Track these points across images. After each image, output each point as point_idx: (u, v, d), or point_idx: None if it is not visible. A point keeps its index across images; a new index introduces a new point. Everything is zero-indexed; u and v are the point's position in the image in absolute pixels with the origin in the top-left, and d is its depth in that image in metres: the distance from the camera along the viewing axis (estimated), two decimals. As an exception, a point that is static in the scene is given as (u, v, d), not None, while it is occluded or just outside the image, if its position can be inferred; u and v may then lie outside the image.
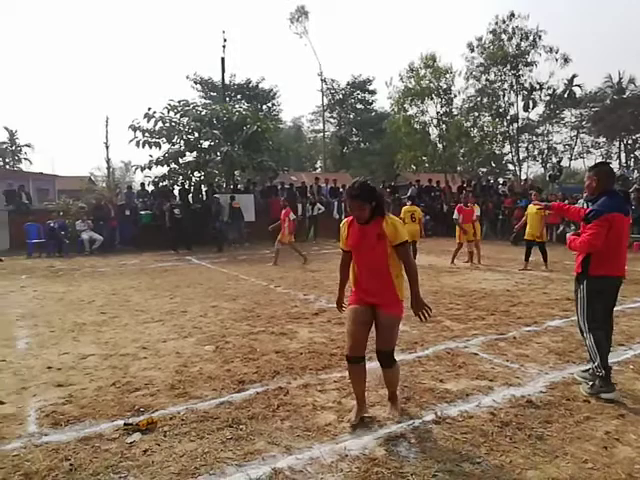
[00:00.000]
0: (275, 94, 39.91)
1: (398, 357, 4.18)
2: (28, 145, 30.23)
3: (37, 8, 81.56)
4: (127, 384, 3.75)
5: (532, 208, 8.92)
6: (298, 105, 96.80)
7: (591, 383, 3.47)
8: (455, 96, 25.63)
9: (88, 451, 2.74)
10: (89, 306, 6.76)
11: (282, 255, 12.75)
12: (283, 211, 11.25)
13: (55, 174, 29.76)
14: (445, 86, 24.94)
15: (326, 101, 40.89)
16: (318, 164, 46.85)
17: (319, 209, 17.41)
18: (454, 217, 10.34)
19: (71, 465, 2.58)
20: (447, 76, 24.78)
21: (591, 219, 3.41)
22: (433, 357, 4.25)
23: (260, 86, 38.54)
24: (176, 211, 14.52)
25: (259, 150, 17.75)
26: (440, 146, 25.82)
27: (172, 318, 5.93)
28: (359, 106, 41.55)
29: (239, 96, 37.06)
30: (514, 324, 5.35)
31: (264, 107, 38.09)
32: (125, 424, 3.02)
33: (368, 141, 39.90)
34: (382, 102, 51.24)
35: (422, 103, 24.96)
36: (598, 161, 6.01)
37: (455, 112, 26.02)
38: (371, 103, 41.51)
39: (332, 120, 42.88)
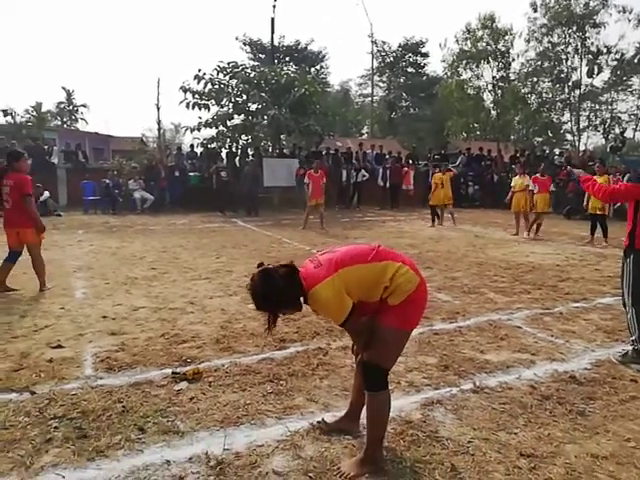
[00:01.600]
0: (324, 57, 39.09)
1: (438, 325, 4.24)
2: (84, 105, 31.33)
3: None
4: (175, 336, 3.95)
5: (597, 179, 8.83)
6: (347, 68, 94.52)
7: (625, 351, 3.51)
8: (513, 60, 24.19)
9: (139, 395, 2.93)
10: (141, 262, 7.08)
11: (327, 221, 12.79)
12: (316, 174, 11.25)
13: (109, 134, 30.75)
14: (503, 49, 23.58)
15: (376, 64, 39.63)
16: (365, 129, 45.98)
17: (363, 175, 17.21)
18: (529, 188, 10.24)
19: (123, 407, 2.77)
20: (506, 38, 23.37)
21: (627, 181, 3.45)
22: (474, 328, 4.21)
23: (309, 48, 37.81)
24: (223, 174, 14.74)
25: (306, 114, 17.58)
26: (494, 113, 24.67)
27: (218, 277, 6.12)
28: (410, 70, 40.03)
29: (287, 58, 36.54)
30: (561, 299, 5.19)
31: (312, 70, 37.40)
32: (173, 372, 3.20)
33: (418, 106, 38.61)
34: (434, 66, 49.39)
35: (477, 67, 23.77)
36: None
37: (512, 77, 24.65)
38: (423, 67, 39.89)
39: (381, 84, 41.67)
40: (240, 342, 3.84)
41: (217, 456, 2.30)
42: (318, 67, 39.19)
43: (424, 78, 38.79)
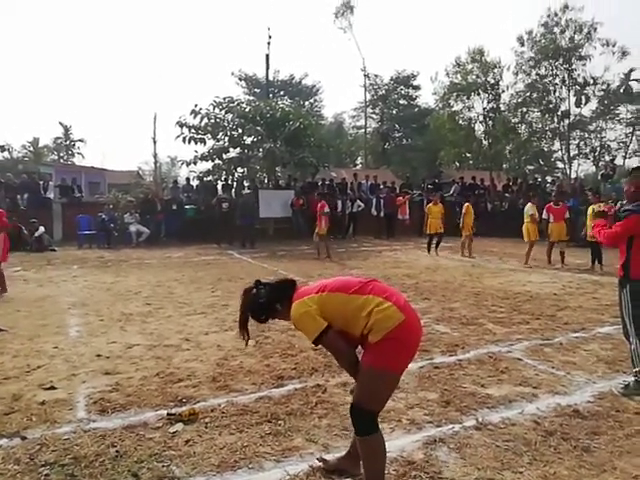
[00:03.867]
0: (318, 90, 40.01)
1: (438, 358, 4.19)
2: (81, 140, 31.66)
3: (88, 8, 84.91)
4: (170, 375, 3.87)
5: (591, 209, 8.92)
6: (340, 101, 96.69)
7: (626, 383, 3.46)
8: (503, 91, 24.84)
9: (133, 439, 2.84)
10: (136, 297, 7.01)
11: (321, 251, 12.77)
12: (319, 205, 11.70)
13: (105, 168, 30.98)
14: (493, 81, 24.23)
15: (369, 97, 40.53)
16: (359, 160, 46.58)
17: (359, 206, 17.34)
18: (543, 217, 10.20)
19: (117, 452, 2.69)
20: (495, 71, 24.07)
21: (622, 217, 3.50)
22: (475, 361, 4.15)
23: (303, 82, 38.71)
24: (224, 205, 14.81)
25: (300, 146, 17.85)
26: (485, 143, 25.14)
27: (214, 311, 6.06)
28: (402, 102, 40.91)
29: (282, 92, 37.36)
30: (561, 329, 5.15)
31: (306, 103, 38.24)
32: (168, 414, 3.12)
33: (410, 137, 39.30)
34: (426, 98, 50.34)
35: (468, 99, 24.37)
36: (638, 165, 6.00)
37: (502, 108, 25.23)
38: (415, 99, 40.81)
39: (374, 116, 42.47)
40: (237, 380, 3.77)
41: (214, 504, 2.22)
42: (312, 100, 40.06)
43: (416, 110, 39.63)
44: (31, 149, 24.93)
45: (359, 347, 2.25)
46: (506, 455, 2.65)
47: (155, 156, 21.26)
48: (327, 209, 11.76)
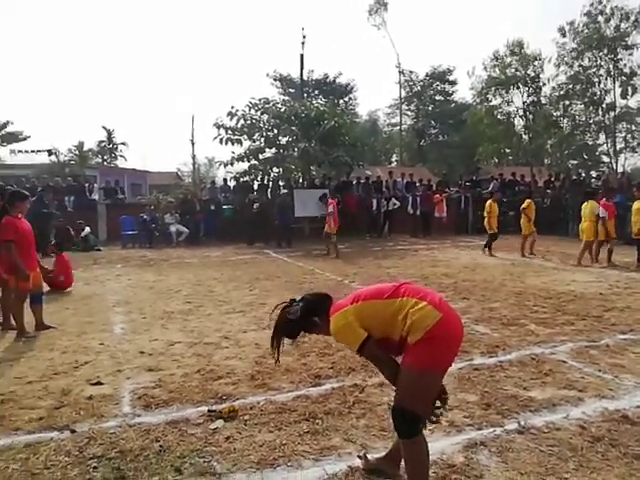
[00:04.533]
0: (352, 88, 39.83)
1: (478, 360, 4.10)
2: (123, 143, 32.76)
3: (129, 13, 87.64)
4: (211, 372, 3.95)
5: (638, 204, 8.96)
6: (374, 99, 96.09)
7: None
8: (544, 84, 24.08)
9: (175, 434, 2.92)
10: (176, 295, 7.20)
11: (357, 250, 12.80)
12: (329, 204, 12.13)
13: (146, 170, 31.97)
14: (533, 74, 23.50)
15: (404, 93, 40.09)
16: (394, 158, 46.18)
17: (394, 204, 17.17)
18: (601, 215, 9.70)
19: (160, 446, 2.77)
20: (535, 63, 23.34)
21: None
22: (516, 362, 4.04)
23: (337, 81, 38.63)
24: (255, 205, 15.00)
25: (335, 145, 17.84)
26: (526, 138, 24.45)
27: (252, 309, 6.15)
28: (438, 98, 40.29)
29: (316, 91, 37.43)
30: (608, 331, 4.95)
31: (341, 102, 38.18)
32: (209, 410, 3.19)
33: (447, 134, 38.65)
34: (463, 93, 49.45)
35: (507, 93, 23.76)
36: None
37: (543, 101, 24.43)
38: (451, 94, 40.10)
39: (409, 113, 42.00)
40: (275, 378, 3.81)
41: (254, 500, 2.26)
42: (347, 99, 39.94)
43: (452, 105, 38.95)
44: (76, 153, 26.02)
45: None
46: (550, 460, 2.57)
47: (193, 157, 21.82)
48: (331, 209, 12.06)
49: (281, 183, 18.28)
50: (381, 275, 8.73)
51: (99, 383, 3.73)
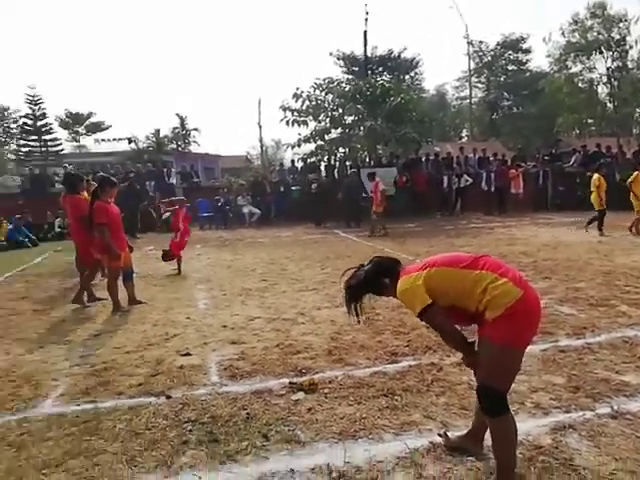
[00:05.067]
0: (418, 63, 38.50)
1: (563, 341, 3.93)
2: (196, 129, 33.94)
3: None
4: (289, 346, 4.09)
5: None
6: (442, 72, 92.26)
7: None
8: (631, 47, 21.92)
9: (260, 403, 3.08)
10: (252, 273, 7.48)
11: (428, 229, 12.58)
12: (373, 183, 12.15)
13: (218, 154, 33.07)
14: (618, 37, 21.46)
15: (473, 65, 38.19)
16: (464, 133, 44.41)
17: (466, 180, 16.58)
18: None
19: (247, 414, 2.93)
20: (620, 25, 21.27)
21: None
22: (606, 345, 3.82)
23: (402, 56, 37.47)
24: (313, 186, 15.17)
25: (402, 122, 17.45)
26: (610, 106, 22.51)
27: (324, 288, 6.26)
28: (511, 67, 37.96)
29: (381, 68, 36.54)
30: None
31: (406, 77, 37.09)
32: (290, 383, 3.32)
33: (521, 105, 36.39)
34: (538, 61, 46.24)
35: (588, 59, 21.90)
36: None
37: (630, 66, 22.29)
38: (525, 63, 37.61)
39: (479, 85, 40.00)
40: (351, 354, 3.88)
41: (339, 468, 2.34)
42: (412, 74, 38.71)
43: (527, 75, 36.54)
44: (153, 140, 27.35)
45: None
46: (649, 447, 2.43)
47: (261, 140, 22.24)
48: (382, 186, 12.18)
49: (348, 163, 18.22)
50: (454, 254, 8.51)
51: (188, 354, 3.99)
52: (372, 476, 2.28)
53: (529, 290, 2.10)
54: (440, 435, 2.56)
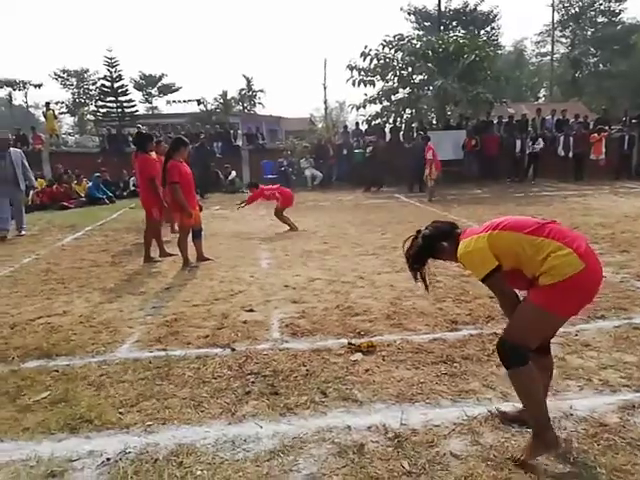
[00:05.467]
0: (495, 16, 36.00)
1: (638, 318, 3.69)
2: (261, 90, 34.16)
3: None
4: (348, 308, 4.15)
5: None
6: (521, 26, 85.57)
7: None
8: None
9: (319, 361, 3.17)
10: (314, 236, 7.57)
11: (497, 196, 12.10)
12: (426, 148, 11.82)
13: (282, 116, 33.15)
14: None
15: (557, 17, 35.13)
16: (542, 93, 41.44)
17: (538, 144, 15.54)
18: None
19: (307, 370, 3.03)
20: None
21: None
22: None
23: (478, 9, 35.13)
24: (368, 149, 14.95)
25: (475, 81, 16.54)
26: None
27: (385, 252, 6.23)
28: (600, 19, 34.58)
29: (455, 23, 34.54)
30: None
31: (482, 32, 34.82)
32: (349, 343, 3.38)
33: (609, 62, 33.26)
34: (633, 11, 41.56)
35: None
36: None
37: None
38: (618, 14, 34.11)
39: (563, 40, 36.91)
40: (410, 320, 3.87)
41: (395, 429, 2.38)
42: (488, 28, 36.33)
43: (619, 28, 33.13)
44: (221, 101, 27.85)
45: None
46: None
47: (325, 102, 21.95)
48: (430, 155, 11.78)
49: (414, 125, 17.64)
50: (523, 222, 8.14)
51: (251, 310, 4.16)
52: (428, 439, 2.30)
53: (592, 264, 2.02)
54: (496, 411, 2.49)
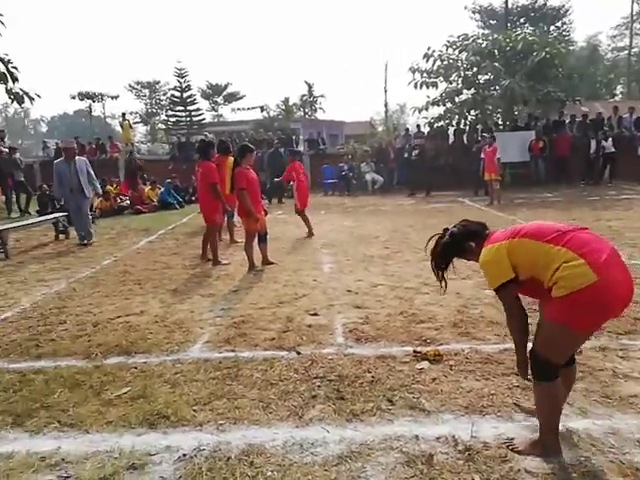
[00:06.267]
0: (566, 11, 34.18)
1: None
2: (322, 96, 34.45)
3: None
4: (412, 315, 4.09)
5: None
6: (595, 21, 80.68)
7: None
8: None
9: (385, 368, 3.14)
10: (375, 240, 7.53)
11: (569, 199, 11.52)
12: (489, 148, 11.46)
13: (342, 120, 33.27)
14: None
15: (637, 8, 32.82)
16: (619, 90, 38.82)
17: (609, 144, 14.54)
18: None
19: (372, 377, 3.02)
20: None
21: None
22: None
23: (548, 4, 33.53)
24: (414, 152, 14.68)
25: (545, 79, 15.80)
26: None
27: (450, 259, 6.07)
28: (688, 7, 31.93)
29: (522, 20, 33.19)
30: None
31: (552, 28, 33.23)
32: (414, 351, 3.33)
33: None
34: None
35: None
36: None
37: None
38: None
39: (644, 32, 34.37)
40: (478, 329, 3.75)
41: (465, 441, 2.32)
42: (559, 24, 34.56)
43: None
44: (283, 108, 28.38)
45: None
46: None
47: (386, 105, 21.80)
48: (482, 154, 11.64)
49: (479, 127, 17.11)
50: (600, 229, 7.65)
51: (316, 314, 4.21)
52: (501, 454, 2.22)
53: (612, 275, 1.95)
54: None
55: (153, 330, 4.01)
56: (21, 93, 3.36)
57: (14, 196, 13.22)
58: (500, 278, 2.14)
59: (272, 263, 6.09)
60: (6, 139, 15.65)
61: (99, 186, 9.32)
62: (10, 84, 3.68)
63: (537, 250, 2.07)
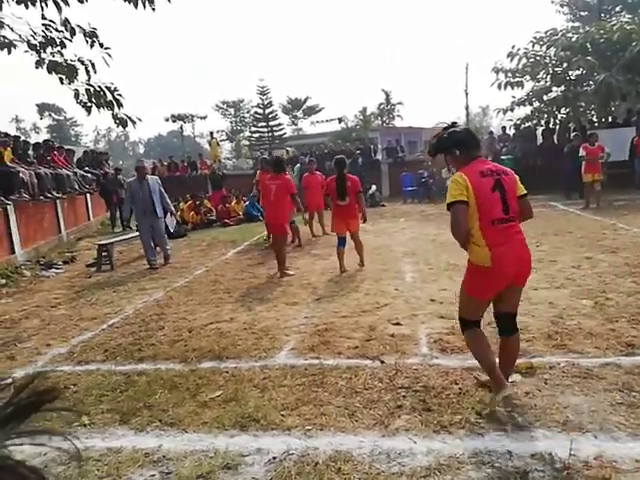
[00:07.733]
0: (673, -8, 31.00)
1: None
2: (400, 103, 34.25)
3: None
4: (501, 326, 3.91)
5: None
6: None
7: None
8: None
9: (472, 380, 3.05)
10: (458, 249, 7.21)
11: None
12: (594, 147, 10.59)
13: (421, 127, 32.76)
14: None
15: None
16: None
17: None
18: None
19: (460, 389, 2.94)
20: None
21: None
22: None
23: (649, -13, 30.65)
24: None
25: (647, 70, 14.46)
26: None
27: (542, 267, 5.74)
28: None
29: (618, 7, 30.62)
30: None
31: (654, 13, 30.29)
32: (504, 363, 3.18)
33: None
34: None
35: None
36: None
37: None
38: None
39: None
40: (576, 341, 3.52)
41: (563, 460, 2.19)
42: (663, 7, 31.40)
43: None
44: (360, 117, 28.61)
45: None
46: None
47: (467, 108, 21.13)
48: (582, 152, 10.56)
49: (570, 125, 16.03)
50: None
51: (398, 324, 4.17)
52: (604, 475, 2.07)
53: (505, 267, 2.61)
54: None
55: (242, 337, 4.20)
56: (125, 118, 3.74)
57: (118, 212, 14.48)
58: (452, 197, 2.59)
59: (345, 270, 6.27)
60: (110, 161, 17.25)
61: (171, 204, 9.17)
62: (116, 110, 4.08)
63: (474, 214, 2.59)
